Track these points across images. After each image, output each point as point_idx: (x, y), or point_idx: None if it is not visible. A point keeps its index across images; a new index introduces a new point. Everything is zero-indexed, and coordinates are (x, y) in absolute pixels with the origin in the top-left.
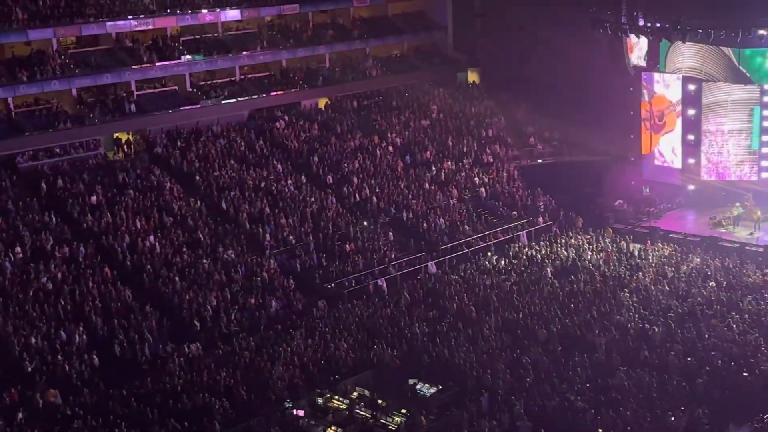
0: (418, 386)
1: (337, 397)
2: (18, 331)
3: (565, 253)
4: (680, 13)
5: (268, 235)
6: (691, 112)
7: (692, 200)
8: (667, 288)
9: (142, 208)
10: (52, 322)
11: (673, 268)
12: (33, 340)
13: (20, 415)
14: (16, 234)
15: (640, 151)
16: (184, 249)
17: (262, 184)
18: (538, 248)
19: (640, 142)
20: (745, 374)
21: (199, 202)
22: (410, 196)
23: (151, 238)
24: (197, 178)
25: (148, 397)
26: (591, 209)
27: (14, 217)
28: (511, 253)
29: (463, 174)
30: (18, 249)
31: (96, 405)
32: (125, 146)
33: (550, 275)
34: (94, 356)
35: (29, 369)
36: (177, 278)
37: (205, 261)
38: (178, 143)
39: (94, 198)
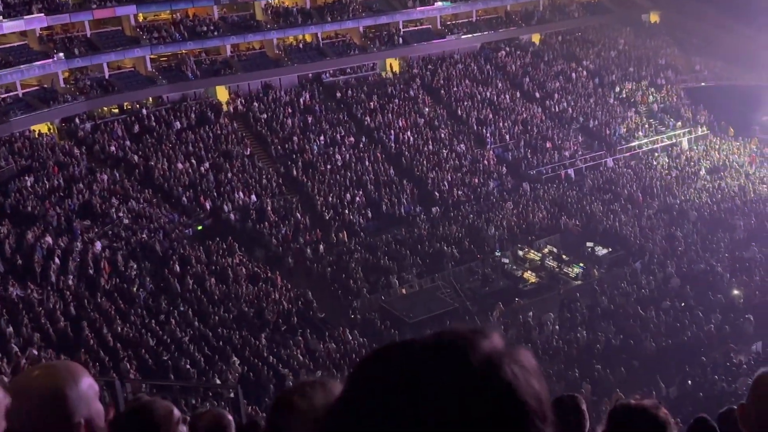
0: (594, 248)
1: (533, 251)
2: (321, 191)
3: (717, 155)
4: None
5: (489, 134)
6: None
7: None
8: None
9: (403, 111)
10: (342, 187)
11: None
12: (330, 198)
13: (321, 247)
14: (320, 127)
15: None
16: (430, 142)
17: (487, 97)
18: (696, 151)
19: None
20: None
21: (442, 109)
22: (597, 109)
23: (408, 133)
24: (441, 92)
25: (402, 241)
26: (741, 122)
27: (319, 116)
28: (673, 154)
29: (639, 93)
30: (321, 138)
31: (368, 245)
32: (393, 68)
33: (704, 172)
34: (368, 211)
35: (327, 217)
36: (425, 161)
37: (444, 151)
38: (429, 66)
39: (371, 103)
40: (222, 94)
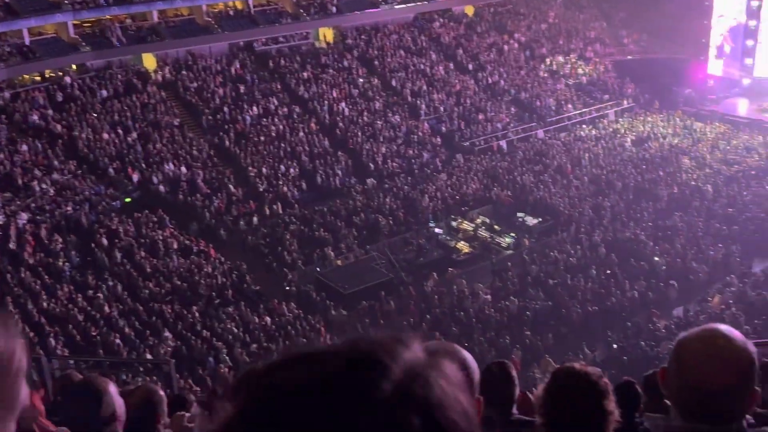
0: (525, 218)
1: (466, 222)
2: (254, 163)
3: (642, 127)
4: None
5: (423, 106)
6: (752, 23)
7: (746, 91)
8: (718, 156)
9: (337, 82)
10: (276, 158)
11: (725, 142)
12: (264, 169)
13: (255, 219)
14: (253, 97)
15: (707, 52)
16: (365, 113)
17: (421, 68)
18: (622, 123)
19: (708, 44)
20: None
21: (376, 79)
22: (528, 81)
23: (342, 104)
24: (375, 62)
25: (337, 213)
26: (666, 95)
27: (251, 85)
28: (600, 126)
29: (569, 66)
30: (254, 108)
31: (303, 216)
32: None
33: (630, 143)
34: (303, 183)
35: (260, 189)
36: (359, 133)
37: (379, 122)
38: (363, 36)
39: (305, 74)
40: (149, 61)
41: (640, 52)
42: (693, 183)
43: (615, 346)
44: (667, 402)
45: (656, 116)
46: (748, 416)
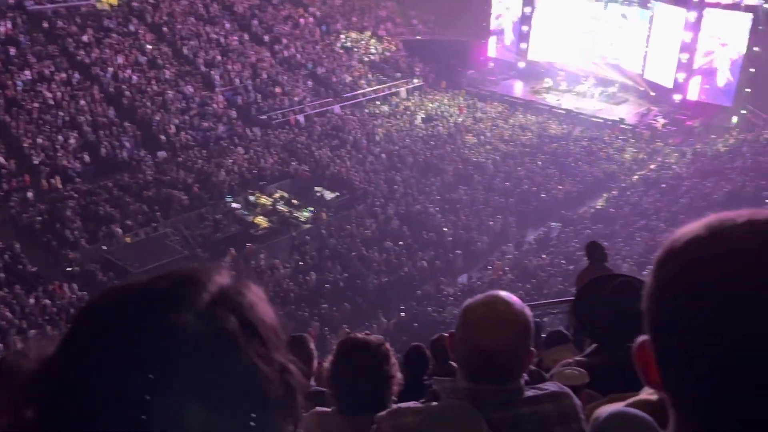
0: (322, 192)
1: (264, 197)
2: (27, 132)
3: (431, 105)
4: None
5: (218, 77)
6: (527, 9)
7: (521, 74)
8: (498, 133)
9: (122, 48)
10: (53, 128)
11: (503, 121)
12: (39, 140)
13: (29, 194)
14: (25, 60)
15: (488, 35)
16: (153, 81)
17: (214, 38)
18: (412, 101)
19: (489, 28)
20: (542, 195)
21: (166, 47)
22: (324, 56)
23: (129, 71)
24: (165, 29)
25: (126, 187)
26: (452, 75)
27: (24, 47)
28: (393, 103)
29: (363, 42)
30: (27, 72)
31: (87, 191)
32: None
33: (419, 120)
34: (86, 155)
35: (36, 161)
36: (149, 103)
37: (170, 92)
38: (151, 0)
39: (86, 37)
40: None
41: (428, 33)
42: (475, 159)
43: (402, 314)
44: (454, 364)
45: (443, 95)
46: (525, 374)
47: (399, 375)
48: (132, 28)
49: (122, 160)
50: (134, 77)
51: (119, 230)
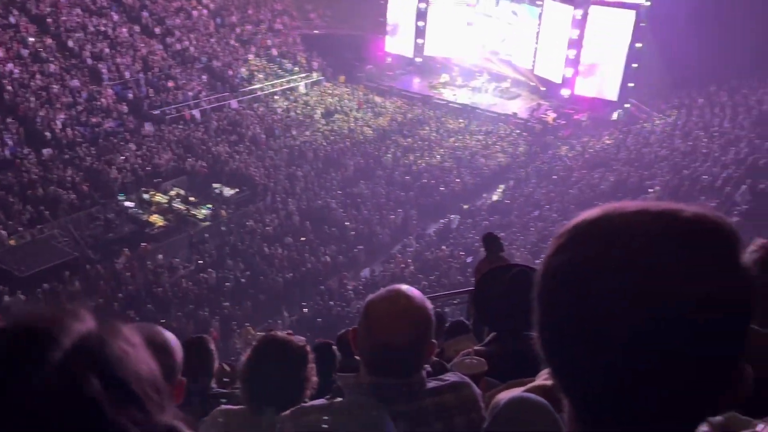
0: (221, 188)
1: (159, 194)
2: None
3: (331, 99)
4: None
5: (106, 70)
6: (422, 5)
7: (418, 69)
8: (396, 128)
9: (3, 40)
10: None
11: (402, 115)
12: None
13: None
14: None
15: (385, 30)
16: (38, 75)
17: (102, 30)
18: (311, 95)
19: (386, 23)
20: (441, 188)
21: (49, 39)
22: (219, 49)
23: (10, 65)
24: (48, 20)
25: (8, 186)
26: (350, 70)
27: None
28: (291, 98)
29: (259, 36)
30: None
31: None
32: None
33: (319, 115)
34: None
35: None
36: (32, 98)
37: (55, 86)
38: None
39: None
40: None
41: (326, 28)
42: (375, 153)
43: (305, 310)
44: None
45: (342, 90)
46: (426, 366)
47: (315, 379)
48: (12, 20)
49: (4, 158)
50: (16, 71)
51: (3, 232)
